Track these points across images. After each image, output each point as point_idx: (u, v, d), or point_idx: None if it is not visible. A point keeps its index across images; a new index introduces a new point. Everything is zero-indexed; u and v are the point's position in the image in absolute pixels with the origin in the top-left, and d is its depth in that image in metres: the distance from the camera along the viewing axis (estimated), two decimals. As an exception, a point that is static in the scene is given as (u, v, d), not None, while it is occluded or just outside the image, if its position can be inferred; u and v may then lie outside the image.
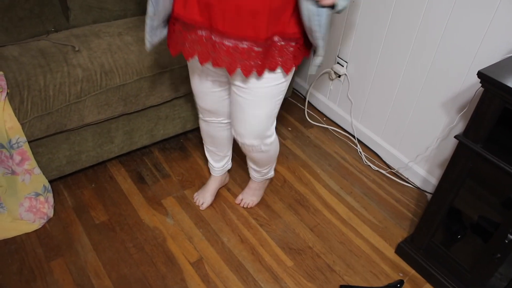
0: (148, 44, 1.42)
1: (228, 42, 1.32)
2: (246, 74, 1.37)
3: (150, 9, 1.33)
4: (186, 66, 1.97)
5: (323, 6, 1.25)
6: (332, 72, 2.46)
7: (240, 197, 2.05)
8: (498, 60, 1.57)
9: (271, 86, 1.47)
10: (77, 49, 1.83)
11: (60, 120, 1.75)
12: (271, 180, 2.12)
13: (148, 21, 1.36)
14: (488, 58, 1.72)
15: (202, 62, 1.39)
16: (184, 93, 2.07)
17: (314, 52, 1.43)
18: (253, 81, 1.44)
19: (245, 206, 2.03)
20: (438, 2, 1.82)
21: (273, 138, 1.69)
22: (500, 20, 1.64)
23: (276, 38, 1.34)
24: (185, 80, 2.01)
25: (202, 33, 1.34)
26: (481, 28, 1.71)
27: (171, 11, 1.39)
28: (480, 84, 1.37)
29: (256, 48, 1.32)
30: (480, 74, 1.35)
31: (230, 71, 1.37)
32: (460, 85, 1.86)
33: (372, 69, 2.24)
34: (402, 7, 1.97)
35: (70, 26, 2.08)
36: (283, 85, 1.50)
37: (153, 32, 1.40)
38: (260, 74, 1.39)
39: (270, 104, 1.53)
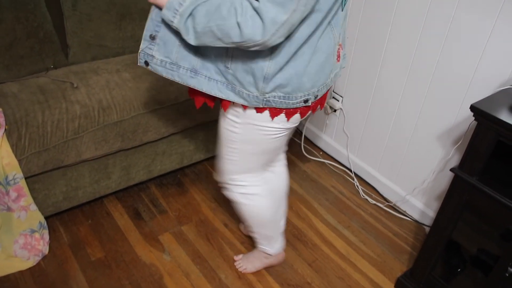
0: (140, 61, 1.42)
1: None
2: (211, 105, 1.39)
3: None
4: (182, 102, 1.99)
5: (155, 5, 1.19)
6: (328, 106, 2.49)
7: (241, 255, 1.94)
8: (490, 94, 1.60)
9: (224, 127, 1.43)
10: (75, 85, 1.86)
11: (58, 156, 1.75)
12: (272, 258, 1.88)
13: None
14: (480, 92, 1.75)
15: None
16: (181, 129, 2.08)
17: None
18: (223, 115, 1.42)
19: (238, 267, 1.91)
20: (430, 37, 1.86)
21: (243, 192, 1.58)
22: (491, 54, 1.68)
23: None
24: (182, 116, 2.03)
25: None
26: (472, 62, 1.74)
27: None
28: (474, 118, 1.39)
29: None
30: (473, 108, 1.37)
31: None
32: (454, 118, 1.89)
33: (367, 103, 2.27)
34: (395, 42, 2.02)
35: (69, 63, 2.12)
36: (229, 132, 1.41)
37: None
38: (209, 105, 1.38)
39: (224, 146, 1.48)
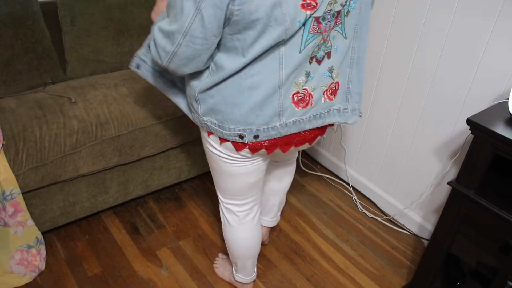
0: (133, 66, 1.52)
1: None
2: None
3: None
4: (179, 117, 2.00)
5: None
6: (325, 120, 2.50)
7: (225, 257, 1.94)
8: (486, 107, 1.62)
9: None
10: (73, 100, 1.87)
11: (55, 171, 1.75)
12: (236, 283, 1.84)
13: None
14: (476, 105, 1.76)
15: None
16: (179, 144, 2.09)
17: None
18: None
19: (214, 263, 1.94)
20: (425, 51, 1.88)
21: (222, 211, 1.60)
22: (486, 68, 1.69)
23: None
24: (180, 131, 2.03)
25: None
26: (468, 75, 1.76)
27: None
28: (470, 131, 1.40)
29: None
30: (469, 122, 1.38)
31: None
32: (451, 132, 1.90)
33: (365, 117, 2.28)
34: (391, 56, 2.04)
35: (67, 78, 2.13)
36: (208, 152, 1.41)
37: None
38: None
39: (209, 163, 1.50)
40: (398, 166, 2.19)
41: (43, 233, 1.89)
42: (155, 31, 1.14)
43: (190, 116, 1.38)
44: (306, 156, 2.73)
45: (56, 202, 1.86)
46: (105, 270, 1.88)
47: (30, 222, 1.78)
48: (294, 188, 2.46)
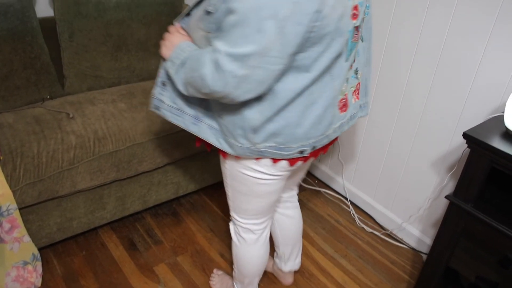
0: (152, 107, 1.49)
1: None
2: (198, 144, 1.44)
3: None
4: (177, 133, 2.00)
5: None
6: (322, 135, 2.50)
7: (221, 272, 1.94)
8: (483, 121, 1.63)
9: (222, 168, 1.43)
10: (71, 116, 1.87)
11: (52, 186, 1.74)
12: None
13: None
14: (472, 119, 1.77)
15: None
16: (177, 159, 2.09)
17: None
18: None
19: (211, 280, 1.92)
20: (421, 64, 1.90)
21: (232, 230, 1.60)
22: (481, 82, 1.71)
23: None
24: (177, 146, 2.03)
25: None
26: (464, 89, 1.77)
27: None
28: (467, 145, 1.40)
29: None
30: (465, 135, 1.38)
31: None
32: (448, 146, 1.90)
33: (362, 131, 2.29)
34: (387, 71, 2.05)
35: (65, 94, 2.13)
36: (225, 169, 1.41)
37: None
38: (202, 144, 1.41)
39: (226, 185, 1.47)
40: (395, 180, 2.19)
41: (39, 249, 1.88)
42: (219, 55, 1.01)
43: (227, 149, 1.26)
44: (304, 170, 2.73)
45: (53, 217, 1.85)
46: (102, 286, 1.87)
47: (27, 238, 1.76)
48: (292, 202, 2.45)
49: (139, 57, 2.32)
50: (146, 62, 2.36)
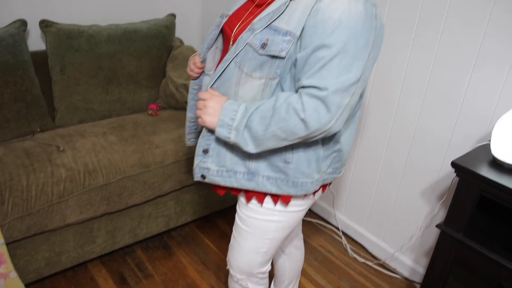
0: (188, 143, 1.47)
1: None
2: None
3: (187, 114, 1.42)
4: (168, 165, 2.00)
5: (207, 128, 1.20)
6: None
7: None
8: (470, 149, 1.65)
9: (258, 219, 1.31)
10: (61, 149, 1.86)
11: (41, 220, 1.72)
12: None
13: (187, 123, 1.44)
14: (460, 147, 1.80)
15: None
16: (167, 191, 2.08)
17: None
18: (243, 206, 1.34)
19: None
20: (409, 95, 1.93)
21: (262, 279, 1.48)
22: (468, 111, 1.74)
23: None
24: (168, 178, 2.03)
25: None
26: (451, 119, 1.80)
27: None
28: (455, 174, 1.42)
29: None
30: (454, 164, 1.40)
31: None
32: (437, 174, 1.92)
33: (352, 161, 2.30)
34: (376, 101, 2.08)
35: (56, 126, 2.13)
36: (267, 222, 1.31)
37: (190, 135, 1.46)
38: (248, 200, 1.30)
39: (254, 238, 1.35)
40: (387, 209, 2.20)
41: (26, 285, 1.84)
42: (325, 93, 1.01)
43: (293, 191, 1.22)
44: (295, 201, 2.73)
45: (42, 252, 1.82)
46: (90, 323, 1.82)
47: (14, 274, 1.73)
48: (284, 233, 2.44)
49: (130, 90, 2.34)
50: (137, 95, 2.38)
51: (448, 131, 1.83)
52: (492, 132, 1.45)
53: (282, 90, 1.13)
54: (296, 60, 1.07)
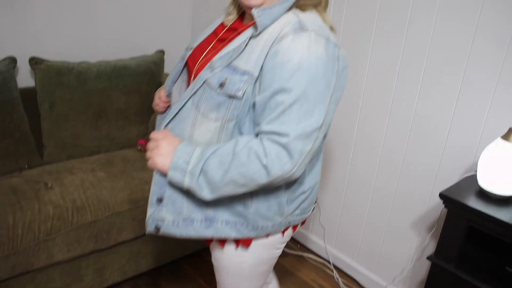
0: None
1: None
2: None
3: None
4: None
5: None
6: (303, 198, 2.51)
7: None
8: (458, 180, 1.67)
9: (228, 259, 1.28)
10: (49, 185, 1.85)
11: (27, 259, 1.69)
12: None
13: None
14: (448, 178, 1.81)
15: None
16: (157, 226, 2.06)
17: None
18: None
19: None
20: (396, 128, 1.96)
21: None
22: (454, 142, 1.77)
23: None
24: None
25: None
26: (437, 151, 1.83)
27: None
28: (444, 205, 1.43)
29: None
30: (442, 196, 1.41)
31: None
32: (426, 206, 1.93)
33: (341, 194, 2.31)
34: (364, 133, 2.11)
35: (44, 163, 2.12)
36: (242, 261, 1.27)
37: None
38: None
39: (231, 278, 1.31)
40: (377, 242, 2.19)
41: (11, 327, 1.78)
42: (286, 139, 0.97)
43: (253, 234, 1.17)
44: (286, 234, 2.71)
45: (27, 292, 1.78)
46: None
47: (-2, 316, 1.68)
48: (274, 268, 2.41)
49: (119, 126, 2.34)
50: (126, 131, 2.38)
51: (435, 162, 1.85)
52: (478, 163, 1.48)
53: (241, 133, 1.08)
54: (254, 103, 1.04)
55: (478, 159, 1.70)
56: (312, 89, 0.98)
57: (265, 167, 0.99)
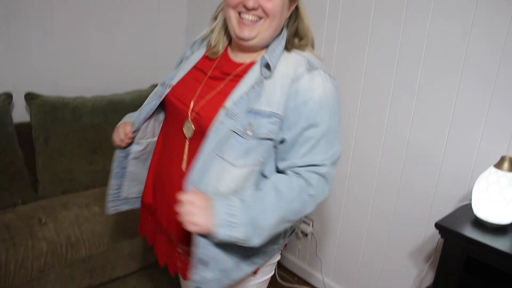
0: (111, 211, 1.44)
1: (180, 249, 1.24)
2: (184, 276, 1.26)
3: (111, 181, 1.40)
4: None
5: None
6: (299, 231, 2.50)
7: None
8: (453, 209, 1.67)
9: None
10: (43, 221, 1.83)
11: (20, 297, 1.66)
12: None
13: (109, 191, 1.41)
14: (443, 208, 1.81)
15: (161, 265, 1.35)
16: (152, 262, 2.03)
17: None
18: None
19: None
20: (390, 158, 1.97)
21: None
22: (447, 171, 1.78)
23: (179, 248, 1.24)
24: (153, 249, 1.98)
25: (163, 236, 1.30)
26: (432, 181, 1.83)
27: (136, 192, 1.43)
28: (440, 235, 1.43)
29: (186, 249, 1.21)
30: (437, 226, 1.41)
31: (184, 277, 1.27)
32: (423, 236, 1.92)
33: (337, 225, 2.30)
34: (358, 164, 2.12)
35: (39, 198, 2.10)
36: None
37: (123, 202, 1.44)
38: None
39: None
40: (375, 273, 2.17)
41: None
42: (324, 168, 1.09)
43: (263, 260, 1.21)
44: (283, 268, 2.68)
45: (19, 332, 1.74)
46: None
47: None
48: (272, 302, 2.37)
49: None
50: (121, 164, 2.38)
51: (430, 192, 1.85)
52: (472, 192, 1.48)
53: (264, 176, 1.12)
54: (282, 141, 1.10)
55: (473, 187, 1.70)
56: (333, 122, 1.11)
57: (312, 196, 1.08)
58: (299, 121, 1.07)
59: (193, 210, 1.01)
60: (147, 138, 1.35)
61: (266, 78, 1.10)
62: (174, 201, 1.07)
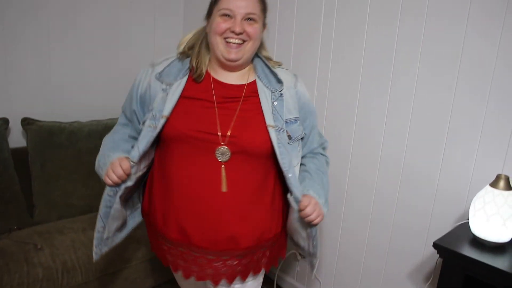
0: (95, 256, 1.41)
1: (210, 256, 1.34)
2: (230, 281, 1.38)
3: (99, 223, 1.37)
4: (149, 260, 1.96)
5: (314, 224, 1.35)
6: (297, 253, 2.48)
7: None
8: (450, 229, 1.66)
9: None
10: (39, 247, 1.81)
11: (15, 325, 1.63)
12: None
13: (96, 234, 1.39)
14: (441, 227, 1.80)
15: (186, 276, 1.39)
16: (151, 286, 2.01)
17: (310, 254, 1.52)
18: (237, 285, 1.43)
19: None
20: (387, 178, 1.98)
21: None
22: (444, 191, 1.78)
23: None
24: (150, 274, 1.97)
25: (182, 249, 1.35)
26: (429, 200, 1.83)
27: (122, 222, 1.44)
28: (438, 255, 1.42)
29: (236, 259, 1.36)
30: (435, 245, 1.41)
31: (215, 282, 1.38)
32: (422, 256, 1.91)
33: (336, 246, 2.29)
34: (355, 184, 2.12)
35: (34, 223, 2.08)
36: (260, 284, 1.52)
37: (103, 243, 1.42)
38: (244, 278, 1.41)
39: None
40: (374, 295, 2.15)
41: None
42: (321, 139, 1.56)
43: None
44: (281, 290, 2.65)
45: None
46: None
47: None
48: (271, 326, 2.34)
49: (110, 184, 2.33)
50: (118, 188, 2.37)
51: (427, 211, 1.85)
52: (469, 211, 1.48)
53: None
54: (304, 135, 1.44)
55: (469, 206, 1.71)
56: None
57: (328, 163, 1.54)
58: (308, 116, 1.43)
59: (318, 208, 1.31)
60: (138, 173, 1.35)
61: (281, 91, 1.34)
62: (218, 222, 1.28)
